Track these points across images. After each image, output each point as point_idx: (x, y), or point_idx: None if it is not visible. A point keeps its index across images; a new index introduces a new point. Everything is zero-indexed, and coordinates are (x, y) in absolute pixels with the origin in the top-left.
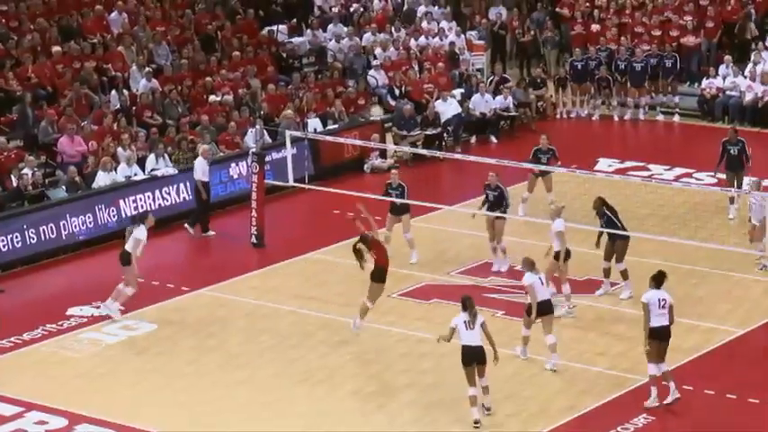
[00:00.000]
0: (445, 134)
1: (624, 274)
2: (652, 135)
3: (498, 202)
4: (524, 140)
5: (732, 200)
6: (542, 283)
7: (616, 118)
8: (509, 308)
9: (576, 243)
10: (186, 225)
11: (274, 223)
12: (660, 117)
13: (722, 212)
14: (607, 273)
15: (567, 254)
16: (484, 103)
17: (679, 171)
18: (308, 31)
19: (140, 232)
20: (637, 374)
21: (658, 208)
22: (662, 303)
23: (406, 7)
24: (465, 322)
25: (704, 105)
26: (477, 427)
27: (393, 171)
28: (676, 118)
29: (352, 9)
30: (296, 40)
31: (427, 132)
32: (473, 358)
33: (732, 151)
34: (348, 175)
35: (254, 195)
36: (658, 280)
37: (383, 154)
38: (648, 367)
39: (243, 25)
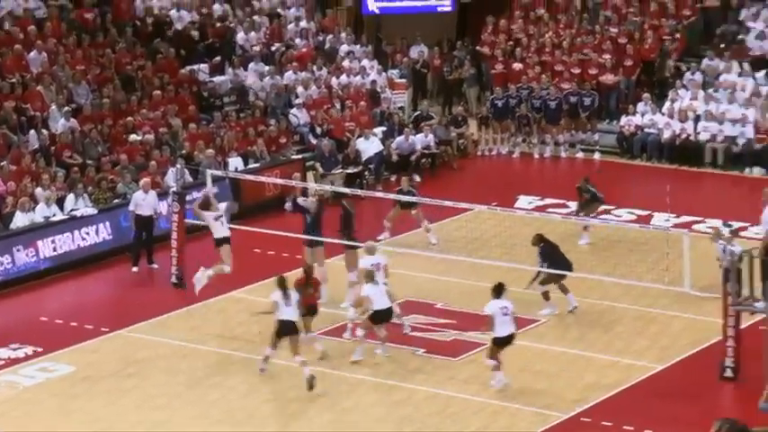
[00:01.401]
0: (366, 172)
1: (546, 296)
2: (572, 172)
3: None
4: (446, 178)
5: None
6: (380, 292)
7: (536, 155)
8: (429, 345)
9: (495, 280)
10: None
11: (193, 263)
12: (580, 154)
13: (640, 248)
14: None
15: None
16: (407, 145)
17: (599, 208)
18: (230, 69)
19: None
20: (558, 411)
21: (577, 245)
22: (504, 311)
23: (327, 46)
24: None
25: (623, 143)
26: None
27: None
28: (596, 155)
29: (273, 48)
30: (217, 78)
31: (348, 170)
32: (287, 332)
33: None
34: (269, 214)
35: (174, 235)
36: (498, 290)
37: (304, 192)
38: (486, 361)
39: (164, 64)
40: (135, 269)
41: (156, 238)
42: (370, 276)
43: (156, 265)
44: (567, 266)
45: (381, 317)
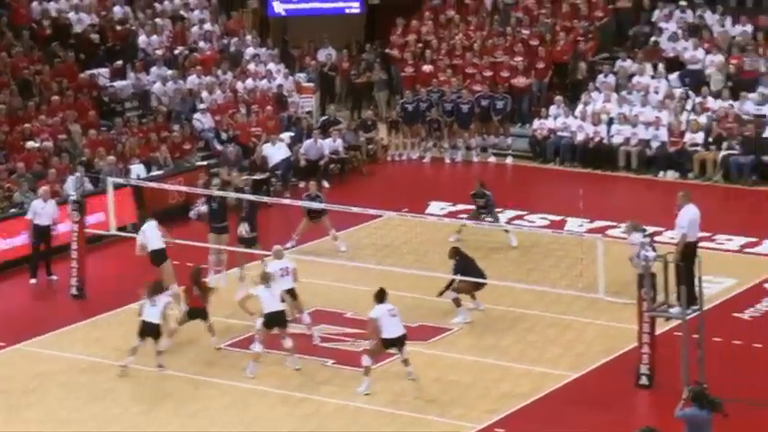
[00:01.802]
0: (273, 178)
1: (458, 302)
2: (484, 177)
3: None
4: (355, 184)
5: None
6: (271, 294)
7: (447, 160)
8: (338, 356)
9: (407, 288)
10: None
11: (96, 273)
12: (492, 159)
13: (551, 255)
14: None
15: None
16: (316, 149)
17: (511, 213)
18: (131, 74)
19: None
20: (472, 422)
21: (490, 251)
22: (391, 312)
23: (232, 49)
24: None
25: (536, 147)
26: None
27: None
28: (509, 160)
29: (176, 51)
30: (118, 83)
31: (255, 177)
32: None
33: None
34: (174, 222)
35: (74, 245)
36: (381, 296)
37: (209, 200)
38: (364, 359)
39: (62, 69)
40: (33, 281)
41: (54, 249)
42: (265, 279)
43: (55, 277)
44: (482, 278)
45: (274, 320)
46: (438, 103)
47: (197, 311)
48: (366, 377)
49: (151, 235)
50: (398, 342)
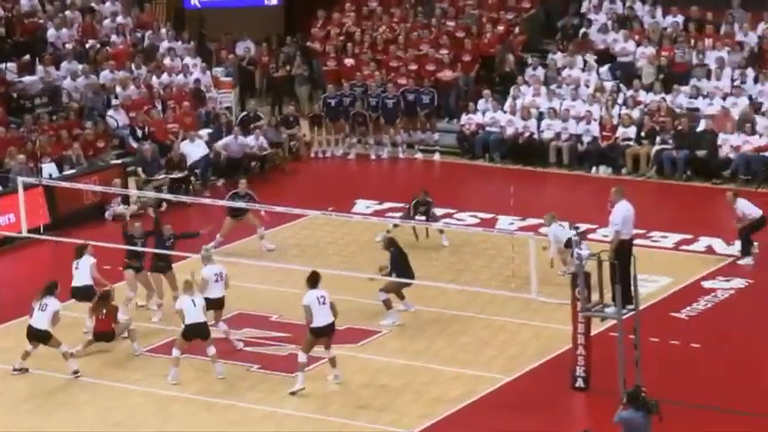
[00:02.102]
0: (192, 177)
1: (388, 304)
2: (411, 174)
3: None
4: (276, 182)
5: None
6: (194, 306)
7: (373, 157)
8: (264, 361)
9: (334, 290)
10: None
11: (6, 277)
12: (419, 155)
13: (483, 254)
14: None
15: None
16: (237, 145)
17: (440, 211)
18: (41, 68)
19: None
20: (403, 428)
21: (422, 251)
22: (321, 301)
23: (146, 43)
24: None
25: (464, 142)
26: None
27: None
28: (436, 156)
29: (88, 45)
30: (27, 78)
31: (173, 176)
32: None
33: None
34: (88, 223)
35: None
36: (313, 279)
37: (126, 200)
38: (299, 355)
39: None
40: None
41: None
42: (188, 288)
43: None
44: (411, 276)
45: (195, 332)
46: (362, 98)
47: (103, 335)
48: (300, 373)
49: (82, 271)
50: (327, 331)
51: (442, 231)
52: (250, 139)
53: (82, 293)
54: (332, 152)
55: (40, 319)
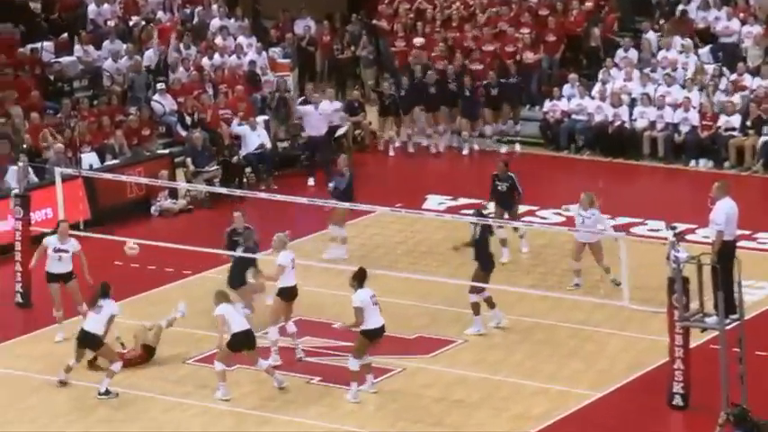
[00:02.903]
0: (247, 169)
1: (476, 309)
2: (488, 167)
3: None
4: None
5: (504, 242)
6: (237, 312)
7: (442, 149)
8: (325, 373)
9: (403, 294)
10: None
11: (43, 278)
12: (503, 148)
13: (568, 256)
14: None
15: None
16: (318, 115)
17: (521, 208)
18: (79, 48)
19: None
20: None
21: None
22: (374, 300)
23: (196, 20)
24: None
25: (547, 132)
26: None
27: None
28: (517, 147)
29: (131, 22)
30: (65, 59)
31: (226, 159)
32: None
33: (500, 187)
34: (132, 219)
35: (17, 246)
36: (361, 277)
37: (174, 194)
38: (350, 362)
39: None
40: None
41: None
42: (224, 296)
43: None
44: (491, 266)
45: (241, 341)
46: (437, 84)
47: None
48: (354, 383)
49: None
50: (381, 334)
51: (521, 236)
52: (336, 104)
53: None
54: (403, 143)
55: (93, 322)
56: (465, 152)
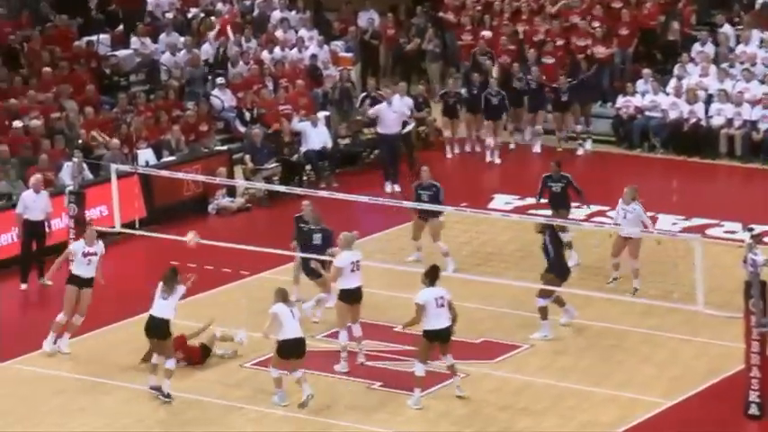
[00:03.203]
0: (308, 166)
1: (544, 313)
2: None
3: (326, 245)
4: (404, 173)
5: (570, 245)
6: (293, 316)
7: (512, 146)
8: (387, 377)
9: (467, 297)
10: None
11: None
12: (583, 149)
13: (643, 258)
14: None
15: None
16: (392, 113)
17: (592, 209)
18: (135, 40)
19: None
20: None
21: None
22: (439, 303)
23: (256, 12)
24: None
25: (619, 129)
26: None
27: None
28: (588, 145)
29: (189, 15)
30: (121, 52)
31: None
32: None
33: (554, 188)
34: (188, 218)
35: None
36: (433, 275)
37: (231, 192)
38: (416, 367)
39: (55, 35)
40: (23, 286)
41: (48, 249)
42: (282, 295)
43: (49, 282)
44: (566, 272)
45: (291, 349)
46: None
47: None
48: (418, 389)
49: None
50: (442, 335)
51: (569, 246)
52: (407, 100)
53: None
54: (471, 141)
55: (162, 308)
56: (536, 150)
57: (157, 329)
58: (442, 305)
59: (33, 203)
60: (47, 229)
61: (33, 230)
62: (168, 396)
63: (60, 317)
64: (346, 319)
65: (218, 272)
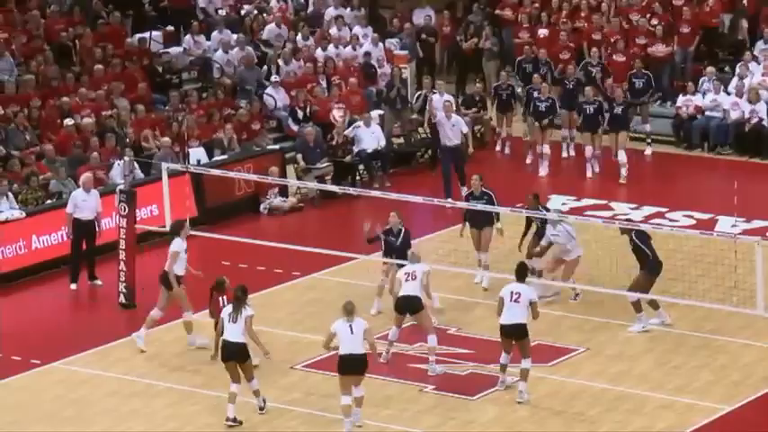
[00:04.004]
0: (361, 166)
1: (638, 307)
2: (615, 166)
3: (406, 246)
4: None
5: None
6: (351, 332)
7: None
8: (440, 381)
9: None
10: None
11: (148, 278)
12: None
13: (699, 262)
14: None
15: None
16: (450, 124)
17: (648, 210)
18: (189, 38)
19: (176, 244)
20: None
21: (624, 257)
22: (514, 297)
23: (310, 9)
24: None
25: (679, 129)
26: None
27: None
28: (648, 151)
29: (243, 12)
30: (173, 50)
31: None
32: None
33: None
34: (240, 218)
35: (122, 244)
36: (522, 272)
37: (284, 191)
38: (502, 356)
39: (107, 32)
40: (73, 286)
41: (99, 249)
42: (346, 311)
43: (99, 282)
44: (659, 267)
45: (349, 365)
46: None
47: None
48: (502, 374)
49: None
50: (513, 332)
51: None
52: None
53: (237, 353)
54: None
55: (233, 332)
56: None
57: (234, 354)
58: (517, 300)
59: (83, 203)
60: (97, 229)
61: (83, 230)
62: (262, 408)
63: (158, 312)
64: (430, 323)
65: (270, 272)
